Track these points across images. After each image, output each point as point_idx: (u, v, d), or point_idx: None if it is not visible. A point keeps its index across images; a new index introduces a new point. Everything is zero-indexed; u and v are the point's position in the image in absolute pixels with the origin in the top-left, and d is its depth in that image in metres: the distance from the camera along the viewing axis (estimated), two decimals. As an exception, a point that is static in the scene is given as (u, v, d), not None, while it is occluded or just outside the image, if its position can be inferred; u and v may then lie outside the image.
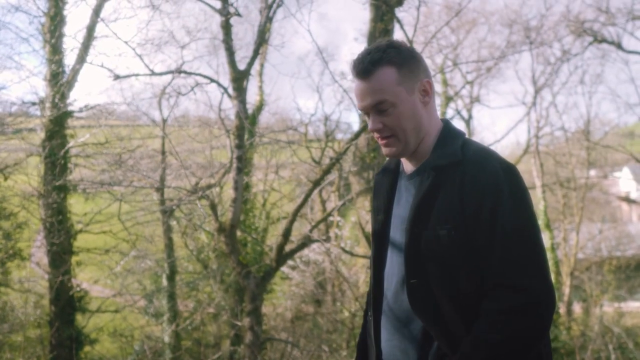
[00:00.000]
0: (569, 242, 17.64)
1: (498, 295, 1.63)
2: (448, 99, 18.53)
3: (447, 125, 1.88)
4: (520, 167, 19.21)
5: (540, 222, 16.99)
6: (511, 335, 1.61)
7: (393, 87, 1.76)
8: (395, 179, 1.94)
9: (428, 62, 17.85)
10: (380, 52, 1.78)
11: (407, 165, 1.90)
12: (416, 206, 1.74)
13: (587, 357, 10.43)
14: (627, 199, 26.83)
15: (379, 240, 1.92)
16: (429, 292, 1.71)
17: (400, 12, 8.94)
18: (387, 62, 1.76)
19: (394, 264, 1.84)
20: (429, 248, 1.70)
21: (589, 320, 15.75)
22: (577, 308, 17.43)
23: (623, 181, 26.76)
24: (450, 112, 19.01)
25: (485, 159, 1.73)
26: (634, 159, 17.17)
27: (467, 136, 1.86)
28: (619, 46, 14.95)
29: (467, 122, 19.82)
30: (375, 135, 1.83)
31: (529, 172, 18.79)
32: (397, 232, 1.84)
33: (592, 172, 20.24)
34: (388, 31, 9.60)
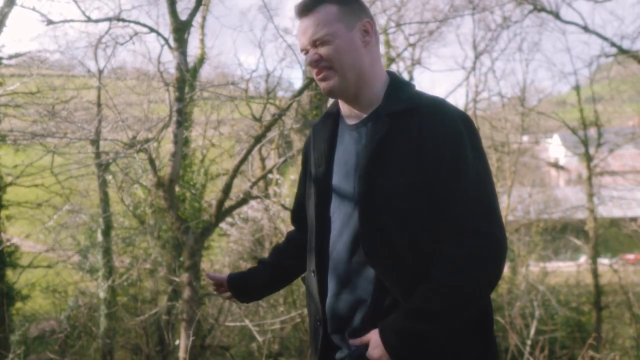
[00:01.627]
0: (500, 205, 18.28)
1: (460, 240, 1.63)
2: (390, 60, 18.57)
3: (395, 76, 1.89)
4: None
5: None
6: (473, 278, 1.62)
7: (332, 22, 1.77)
8: (335, 128, 1.91)
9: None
10: None
11: (351, 113, 1.86)
12: (371, 153, 1.71)
13: (514, 313, 10.94)
14: (556, 165, 27.88)
15: (321, 191, 1.86)
16: (386, 241, 1.69)
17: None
18: (328, 0, 1.79)
19: (342, 215, 1.80)
20: (387, 197, 1.68)
21: (516, 278, 16.48)
22: (505, 268, 18.19)
23: (553, 147, 27.78)
24: (391, 74, 19.08)
25: (442, 106, 1.74)
26: (565, 126, 17.80)
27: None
28: (556, 16, 15.32)
29: (408, 84, 19.98)
30: (314, 71, 1.82)
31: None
32: (345, 182, 1.80)
33: (525, 138, 20.90)
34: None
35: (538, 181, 23.23)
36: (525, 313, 12.08)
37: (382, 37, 17.07)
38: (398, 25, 15.66)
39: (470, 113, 18.31)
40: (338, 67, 1.78)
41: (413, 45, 18.64)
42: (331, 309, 1.82)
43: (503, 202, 18.26)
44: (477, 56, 18.32)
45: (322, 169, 1.87)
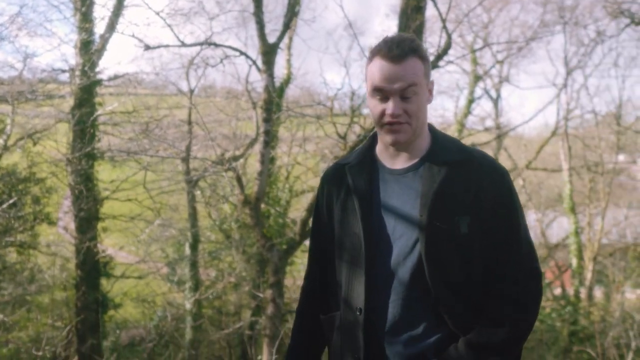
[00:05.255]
0: (593, 227, 17.46)
1: (523, 279, 1.86)
2: (477, 78, 18.27)
3: (432, 126, 2.02)
4: (548, 149, 18.97)
5: (565, 205, 16.84)
6: (533, 312, 1.87)
7: (421, 77, 1.87)
8: (374, 170, 2.00)
9: (458, 40, 17.39)
10: (415, 44, 1.88)
11: (395, 159, 1.97)
12: (433, 198, 1.85)
13: (607, 343, 10.39)
14: (655, 185, 26.37)
15: (369, 229, 1.94)
16: (447, 276, 1.84)
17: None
18: (419, 54, 1.88)
19: (399, 251, 1.89)
20: (448, 236, 1.83)
21: (610, 306, 15.65)
22: (599, 293, 17.34)
23: (651, 167, 26.26)
24: (478, 92, 18.79)
25: (493, 159, 1.95)
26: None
27: None
28: (656, 29, 14.59)
29: (496, 102, 19.58)
30: (388, 119, 1.88)
31: (556, 155, 18.56)
32: (402, 220, 1.91)
33: (621, 157, 19.92)
34: (420, 8, 9.38)
35: (635, 203, 22.02)
36: (620, 343, 11.41)
37: (469, 56, 16.80)
38: (486, 44, 15.32)
39: (561, 131, 17.69)
40: (414, 124, 1.89)
41: (501, 62, 18.25)
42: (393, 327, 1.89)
43: (597, 224, 17.46)
44: (569, 72, 17.73)
45: (368, 209, 1.95)
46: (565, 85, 17.83)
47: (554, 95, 19.75)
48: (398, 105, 1.85)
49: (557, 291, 17.04)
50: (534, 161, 18.04)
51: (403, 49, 1.85)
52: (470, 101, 18.00)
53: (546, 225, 18.84)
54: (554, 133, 18.19)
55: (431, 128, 2.01)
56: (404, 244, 1.88)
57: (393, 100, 1.85)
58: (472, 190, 1.85)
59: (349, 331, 1.96)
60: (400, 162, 1.96)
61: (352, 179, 2.00)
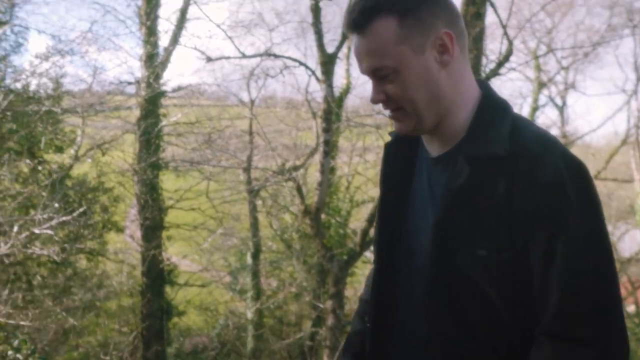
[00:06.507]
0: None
1: (554, 346, 1.22)
2: (541, 85, 17.80)
3: (488, 94, 1.40)
4: (618, 159, 18.24)
5: (638, 218, 16.13)
6: None
7: (392, 47, 1.31)
8: (413, 153, 1.51)
9: (521, 46, 16.92)
10: None
11: (431, 143, 1.44)
12: (445, 212, 1.33)
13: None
14: None
15: (387, 248, 1.52)
16: (457, 319, 1.35)
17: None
18: (384, 10, 1.31)
19: (410, 283, 1.44)
20: (461, 270, 1.31)
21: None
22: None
23: None
24: (542, 99, 18.29)
25: (544, 153, 1.26)
26: None
27: (515, 112, 1.38)
28: None
29: (561, 109, 18.99)
30: (382, 106, 1.41)
31: (627, 164, 17.81)
32: (416, 241, 1.43)
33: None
34: (480, 15, 9.27)
35: None
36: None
37: (532, 62, 16.38)
38: (550, 49, 14.90)
39: (632, 140, 16.98)
40: (410, 108, 1.35)
41: (566, 68, 17.72)
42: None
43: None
44: (640, 78, 17.02)
45: (390, 211, 1.51)
46: (635, 92, 17.15)
47: (624, 102, 19.01)
48: (376, 89, 1.36)
49: (631, 308, 16.30)
50: (604, 171, 17.36)
51: (357, 11, 1.33)
52: (535, 109, 17.54)
53: (618, 239, 18.08)
54: (624, 142, 17.48)
55: (484, 97, 1.40)
56: (415, 267, 1.42)
57: (372, 83, 1.37)
58: (501, 204, 1.27)
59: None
60: (435, 147, 1.43)
61: (385, 164, 1.56)
